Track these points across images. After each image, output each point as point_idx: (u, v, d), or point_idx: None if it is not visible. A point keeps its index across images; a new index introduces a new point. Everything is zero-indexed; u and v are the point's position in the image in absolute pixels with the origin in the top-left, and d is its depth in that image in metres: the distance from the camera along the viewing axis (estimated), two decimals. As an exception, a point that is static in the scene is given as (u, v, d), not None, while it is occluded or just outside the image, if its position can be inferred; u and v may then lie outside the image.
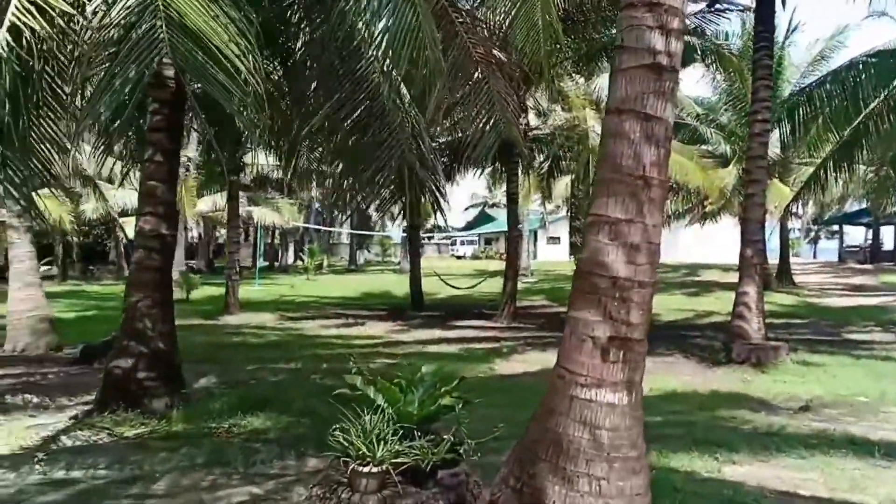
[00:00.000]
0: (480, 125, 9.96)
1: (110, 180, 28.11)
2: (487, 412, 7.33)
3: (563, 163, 26.00)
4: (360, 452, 3.99)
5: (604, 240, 4.05)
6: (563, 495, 3.94)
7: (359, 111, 9.28)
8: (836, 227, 55.51)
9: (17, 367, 11.02)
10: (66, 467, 6.03)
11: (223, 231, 28.84)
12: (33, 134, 7.80)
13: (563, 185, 32.64)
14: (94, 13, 6.54)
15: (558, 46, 14.04)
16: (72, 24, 6.85)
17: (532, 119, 23.52)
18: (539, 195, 36.76)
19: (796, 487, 5.63)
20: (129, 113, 10.24)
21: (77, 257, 39.03)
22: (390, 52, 7.83)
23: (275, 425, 7.49)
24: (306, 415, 7.65)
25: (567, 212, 41.85)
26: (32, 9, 5.88)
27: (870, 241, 48.26)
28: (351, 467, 3.98)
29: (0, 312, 13.40)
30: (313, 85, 9.74)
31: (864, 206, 41.96)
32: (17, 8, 5.82)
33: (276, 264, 53.08)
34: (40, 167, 8.14)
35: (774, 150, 23.83)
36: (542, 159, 26.03)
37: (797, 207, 32.89)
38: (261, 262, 42.83)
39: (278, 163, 15.70)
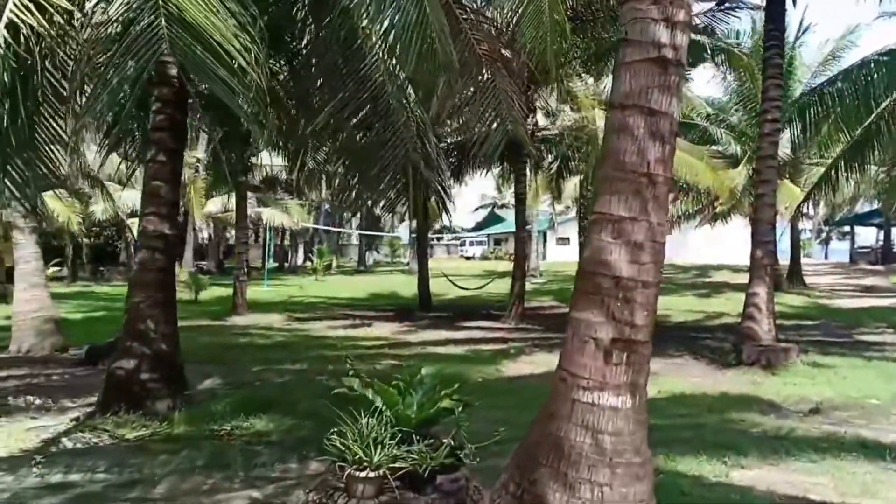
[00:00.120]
0: (486, 123, 9.87)
1: (121, 182, 28.12)
2: (492, 414, 7.24)
3: (573, 163, 25.87)
4: (357, 457, 3.89)
5: (607, 238, 3.94)
6: (565, 502, 3.83)
7: (364, 110, 9.20)
8: (847, 228, 55.08)
9: (22, 369, 11.00)
10: (64, 470, 5.98)
11: (233, 232, 28.81)
12: (38, 135, 7.79)
13: (572, 185, 32.51)
14: (94, 9, 6.47)
15: (566, 45, 13.91)
16: (71, 21, 6.80)
17: (541, 119, 23.40)
18: (548, 196, 36.63)
19: (806, 492, 5.52)
20: (134, 112, 10.26)
21: (87, 258, 39.11)
22: (398, 45, 7.72)
23: (277, 427, 7.42)
24: (310, 417, 7.55)
25: (577, 212, 41.68)
26: (31, 5, 5.83)
27: (881, 242, 47.94)
28: (347, 472, 3.88)
29: (6, 313, 13.38)
30: (318, 82, 9.67)
31: (875, 206, 41.66)
32: (14, 5, 5.77)
33: (286, 265, 53.14)
34: (45, 168, 8.12)
35: (785, 150, 23.63)
36: (550, 160, 25.90)
37: (808, 208, 32.62)
38: (270, 263, 42.86)
39: (286, 163, 15.67)
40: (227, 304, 21.03)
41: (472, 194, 63.84)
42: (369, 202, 11.42)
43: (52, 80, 7.49)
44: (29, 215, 11.99)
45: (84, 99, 7.18)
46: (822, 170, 20.26)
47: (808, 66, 26.72)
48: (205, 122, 13.11)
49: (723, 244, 41.17)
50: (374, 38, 8.64)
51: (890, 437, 7.03)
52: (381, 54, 8.66)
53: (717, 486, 5.61)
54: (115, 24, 6.20)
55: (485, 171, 25.11)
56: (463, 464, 4.17)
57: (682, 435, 7.02)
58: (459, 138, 20.84)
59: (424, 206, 15.84)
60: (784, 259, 28.74)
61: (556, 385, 4.10)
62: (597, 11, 17.56)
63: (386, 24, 7.90)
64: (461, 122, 16.60)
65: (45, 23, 6.06)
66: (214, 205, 35.69)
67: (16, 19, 5.78)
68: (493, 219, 71.95)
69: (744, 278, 13.73)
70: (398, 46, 7.75)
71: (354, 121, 9.37)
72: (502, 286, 24.22)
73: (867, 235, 54.32)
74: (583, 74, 22.04)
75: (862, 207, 46.68)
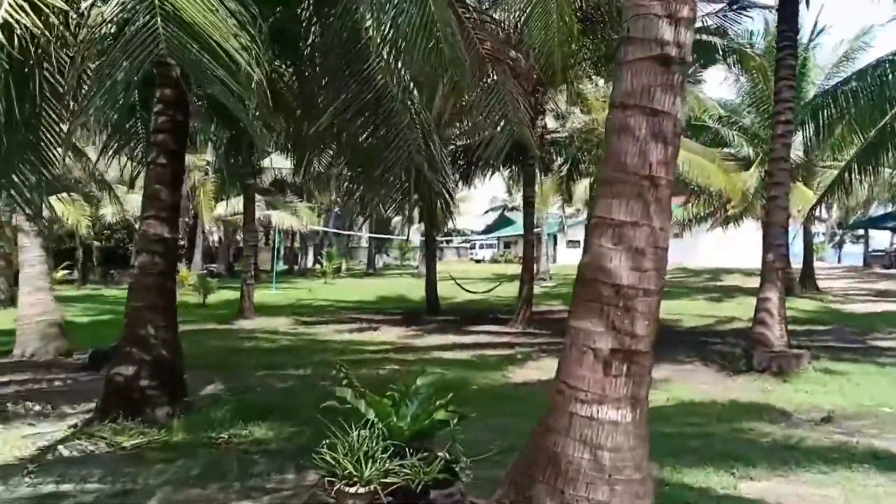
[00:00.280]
0: (491, 125, 9.73)
1: (132, 183, 28.16)
2: (496, 421, 7.12)
3: (583, 166, 25.71)
4: (347, 472, 3.75)
5: (607, 244, 3.79)
6: (562, 520, 3.67)
7: (367, 113, 9.08)
8: (861, 232, 54.57)
9: (24, 373, 10.91)
10: (57, 480, 5.85)
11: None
12: (41, 137, 7.71)
13: (582, 188, 32.36)
14: (90, 9, 6.38)
15: (575, 47, 13.77)
16: (68, 23, 6.71)
17: (550, 122, 23.24)
18: (559, 198, 36.46)
19: (816, 505, 5.35)
20: (139, 113, 10.18)
21: (97, 261, 39.12)
22: (403, 44, 7.60)
23: (277, 435, 7.30)
24: (309, 424, 7.38)
25: (587, 216, 41.50)
26: (26, 5, 5.73)
27: (895, 246, 47.51)
28: (336, 487, 3.74)
29: (14, 317, 13.33)
30: (323, 82, 9.55)
31: (889, 209, 41.31)
32: (9, 5, 5.67)
33: (296, 268, 53.11)
34: (48, 171, 8.03)
35: (798, 152, 23.40)
36: (560, 162, 25.72)
37: (821, 211, 32.28)
38: (280, 266, 42.78)
39: (293, 166, 15.57)
40: (235, 307, 20.92)
41: (483, 197, 63.64)
42: (374, 204, 11.29)
43: (53, 82, 7.41)
44: (33, 219, 11.92)
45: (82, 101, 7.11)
46: (836, 172, 19.98)
47: (821, 67, 26.43)
48: (210, 126, 13.03)
49: (734, 247, 40.80)
50: (378, 38, 8.50)
51: (902, 447, 6.86)
52: (384, 55, 8.52)
53: (725, 498, 5.45)
54: (109, 25, 6.10)
55: (491, 173, 24.95)
56: (458, 478, 4.03)
57: (691, 444, 6.87)
58: (468, 141, 20.72)
59: (432, 209, 15.70)
60: (796, 263, 28.43)
61: (554, 397, 3.94)
62: (606, 13, 17.41)
63: (390, 22, 7.78)
64: (468, 124, 16.48)
65: (40, 24, 5.96)
66: (223, 208, 35.70)
67: (10, 20, 5.68)
68: (503, 221, 71.71)
69: (755, 282, 13.53)
70: (402, 44, 7.63)
71: (358, 122, 9.24)
72: (511, 289, 24.06)
73: (881, 239, 53.79)
74: (593, 76, 21.86)
75: (876, 210, 46.41)
